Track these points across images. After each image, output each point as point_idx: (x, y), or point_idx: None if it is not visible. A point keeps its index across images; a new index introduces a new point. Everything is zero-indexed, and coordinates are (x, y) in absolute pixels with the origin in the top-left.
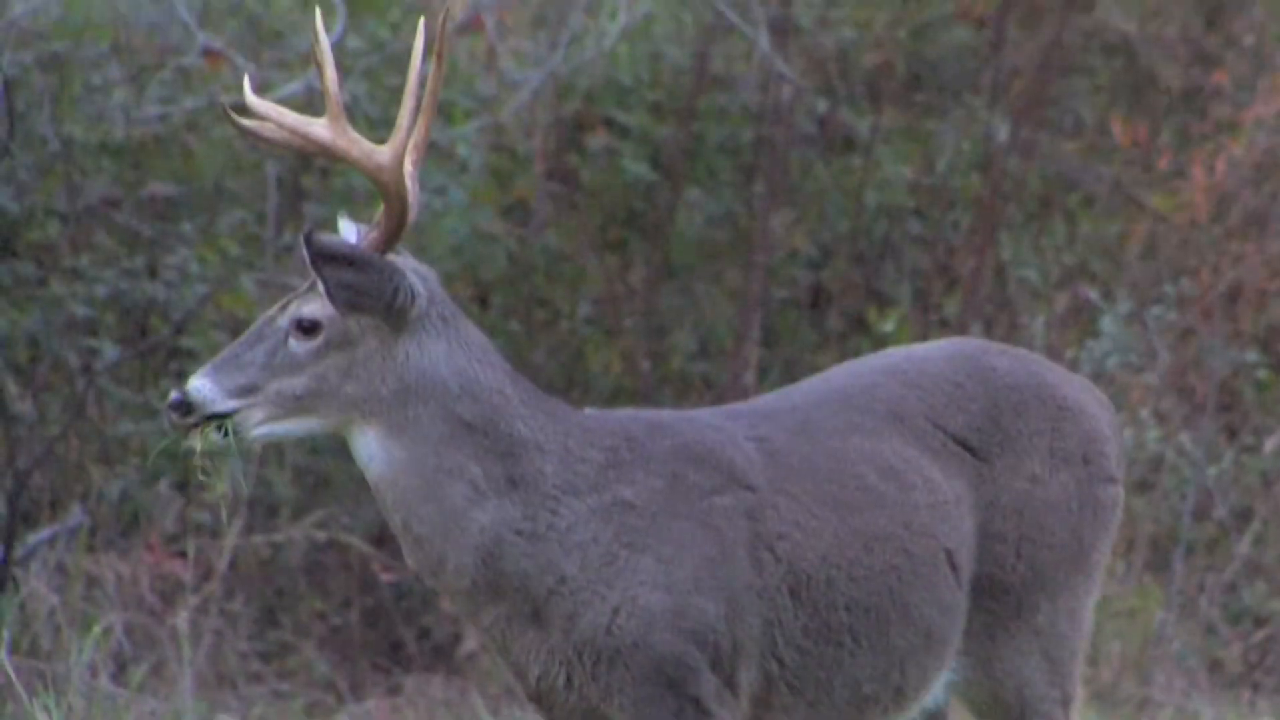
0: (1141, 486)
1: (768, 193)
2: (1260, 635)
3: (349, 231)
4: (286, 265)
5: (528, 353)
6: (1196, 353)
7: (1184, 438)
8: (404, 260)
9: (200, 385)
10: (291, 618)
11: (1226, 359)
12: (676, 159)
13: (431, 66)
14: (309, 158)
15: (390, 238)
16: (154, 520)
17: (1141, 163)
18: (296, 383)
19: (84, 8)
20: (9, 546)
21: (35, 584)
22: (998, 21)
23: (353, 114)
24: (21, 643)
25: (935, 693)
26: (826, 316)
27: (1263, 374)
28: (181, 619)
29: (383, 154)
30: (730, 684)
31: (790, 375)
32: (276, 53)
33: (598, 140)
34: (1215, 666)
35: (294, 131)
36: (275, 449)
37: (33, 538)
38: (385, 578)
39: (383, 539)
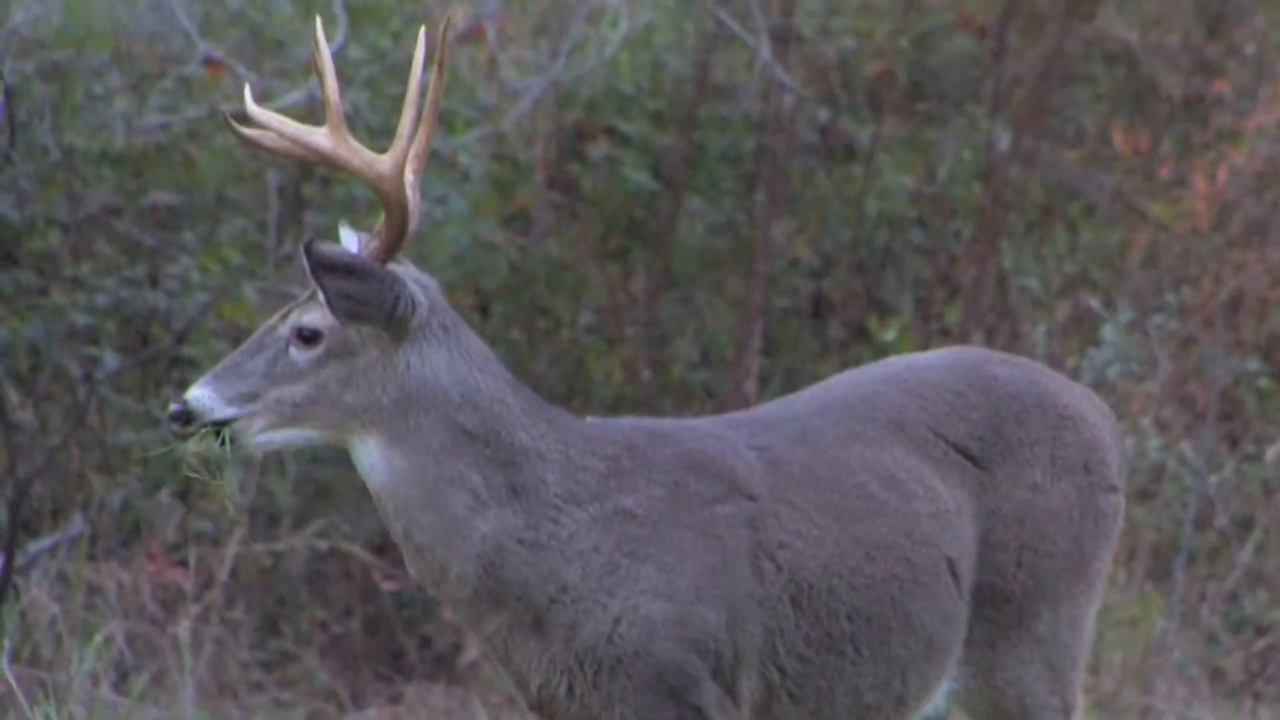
0: (1143, 495)
1: (769, 202)
2: (1261, 644)
3: (350, 241)
4: (288, 274)
5: (529, 362)
6: (1198, 361)
7: (1185, 446)
8: (405, 269)
9: (201, 394)
10: (293, 626)
11: (1228, 368)
12: (678, 168)
13: (433, 75)
14: (310, 167)
15: (391, 247)
16: (155, 529)
17: (1143, 171)
18: (297, 391)
19: (85, 16)
20: (10, 555)
21: (36, 593)
22: (999, 30)
23: (354, 123)
24: (23, 651)
25: (936, 701)
26: (828, 325)
27: (1264, 383)
28: (183, 628)
29: (383, 163)
30: (731, 693)
31: (791, 384)
32: (278, 62)
33: (599, 149)
34: (1217, 675)
35: (295, 140)
36: (276, 458)
37: (34, 546)
38: (386, 586)
39: (384, 548)
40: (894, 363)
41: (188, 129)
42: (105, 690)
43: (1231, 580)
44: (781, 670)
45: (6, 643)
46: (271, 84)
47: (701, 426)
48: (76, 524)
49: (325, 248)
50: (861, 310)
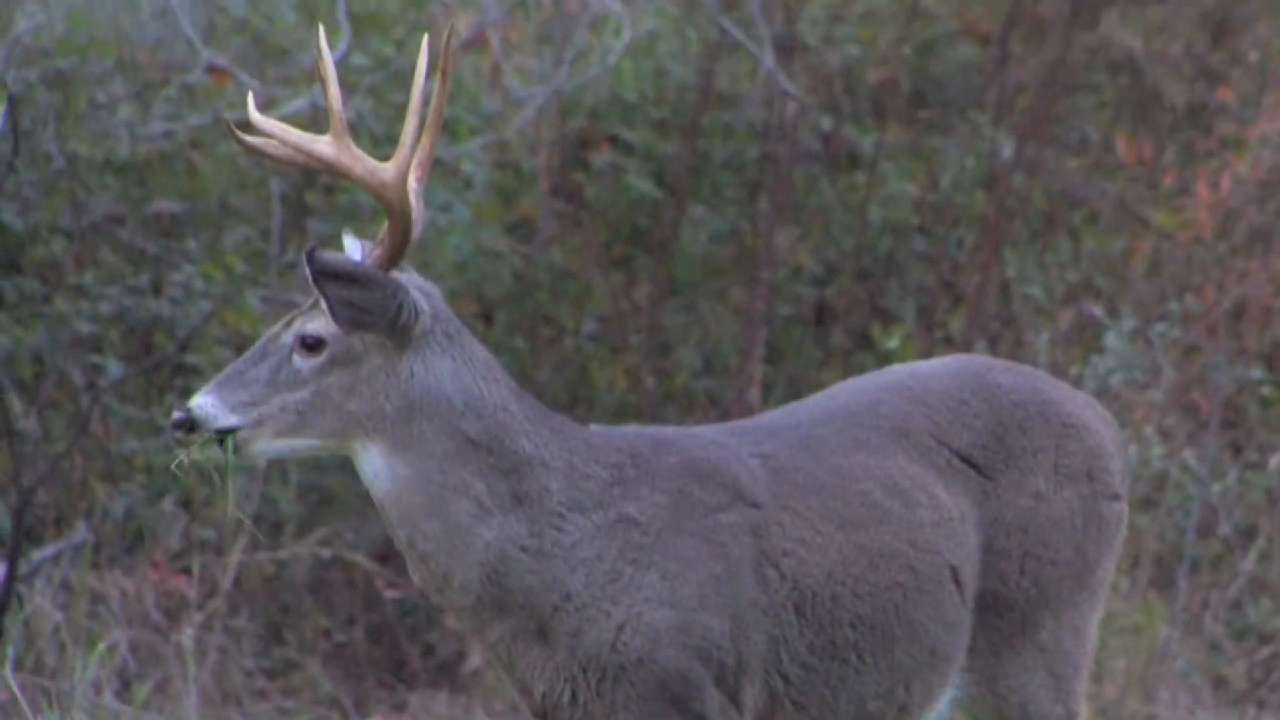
0: (1146, 503)
1: (772, 209)
2: (1265, 652)
3: (354, 248)
4: (291, 282)
5: (532, 370)
6: (1201, 370)
7: (1188, 454)
8: (408, 277)
9: (204, 403)
10: (296, 634)
11: (1231, 376)
12: (681, 176)
13: (436, 83)
14: (313, 175)
15: (394, 255)
16: (159, 537)
17: (1146, 179)
18: (300, 399)
19: (88, 25)
20: (14, 563)
21: (40, 601)
22: (1002, 38)
23: (357, 131)
24: (26, 659)
25: (940, 709)
26: (831, 333)
27: (1267, 391)
28: (186, 636)
29: (386, 171)
30: (735, 700)
31: (795, 392)
32: (281, 70)
33: (602, 157)
34: (1219, 683)
35: (298, 148)
36: (279, 466)
37: (37, 554)
38: (390, 594)
39: (387, 556)
40: (897, 370)
41: (191, 137)
42: (109, 698)
43: (1234, 588)
44: (785, 678)
45: (10, 651)
46: (275, 92)
47: (705, 434)
48: (80, 532)
49: (328, 256)
50: (865, 318)
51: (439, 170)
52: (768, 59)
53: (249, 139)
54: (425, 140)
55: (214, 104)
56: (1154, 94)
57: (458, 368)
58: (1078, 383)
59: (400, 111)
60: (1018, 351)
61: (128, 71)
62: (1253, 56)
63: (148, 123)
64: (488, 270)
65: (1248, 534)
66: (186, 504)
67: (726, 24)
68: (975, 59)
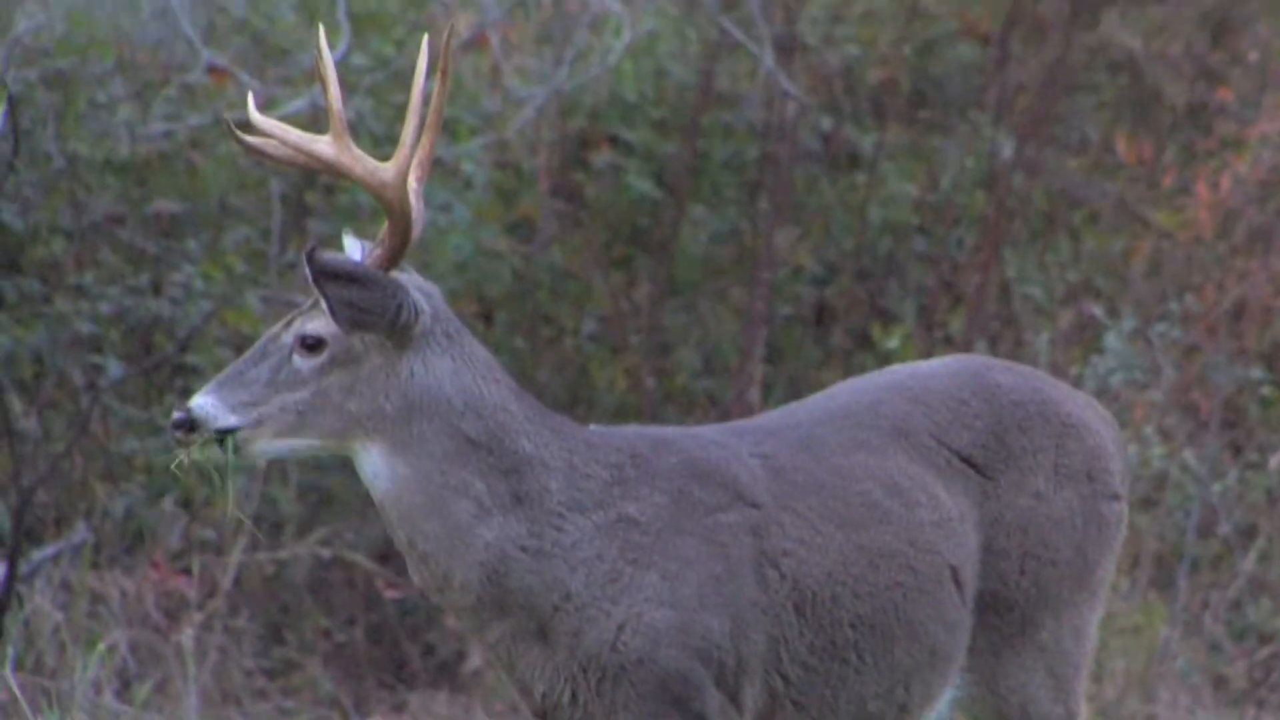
0: (1146, 503)
1: (772, 209)
2: (1265, 652)
3: (354, 248)
4: (291, 282)
5: (532, 370)
6: (1201, 369)
7: (1188, 454)
8: (408, 277)
9: (204, 403)
10: (296, 635)
11: (1231, 376)
12: (681, 176)
13: (436, 83)
14: (313, 175)
15: (394, 255)
16: (159, 537)
17: (1146, 179)
18: (300, 399)
19: (88, 25)
20: (14, 563)
21: (40, 601)
22: (1002, 38)
23: (357, 131)
24: (26, 659)
25: (940, 709)
26: (831, 333)
27: (1267, 391)
28: (186, 636)
29: (386, 171)
30: (735, 701)
31: (795, 392)
32: (281, 70)
33: (602, 157)
34: (1219, 683)
35: (298, 148)
36: (279, 466)
37: (37, 554)
38: (390, 594)
39: (387, 556)
40: (897, 370)
41: (191, 137)
42: (109, 698)
43: (1234, 588)
44: (785, 678)
45: (10, 651)
46: (275, 92)
47: (705, 434)
48: (80, 532)
49: (328, 256)
50: (865, 318)
51: (439, 170)
52: (768, 59)
53: (249, 139)
54: (425, 140)
55: (214, 104)
56: (1154, 94)
57: (458, 368)
58: (1078, 383)
59: (400, 111)
60: (1018, 351)
61: (128, 71)
62: (1253, 56)
63: (148, 123)
64: (488, 270)
65: (1248, 534)
66: (186, 504)
67: (726, 24)
68: (975, 59)
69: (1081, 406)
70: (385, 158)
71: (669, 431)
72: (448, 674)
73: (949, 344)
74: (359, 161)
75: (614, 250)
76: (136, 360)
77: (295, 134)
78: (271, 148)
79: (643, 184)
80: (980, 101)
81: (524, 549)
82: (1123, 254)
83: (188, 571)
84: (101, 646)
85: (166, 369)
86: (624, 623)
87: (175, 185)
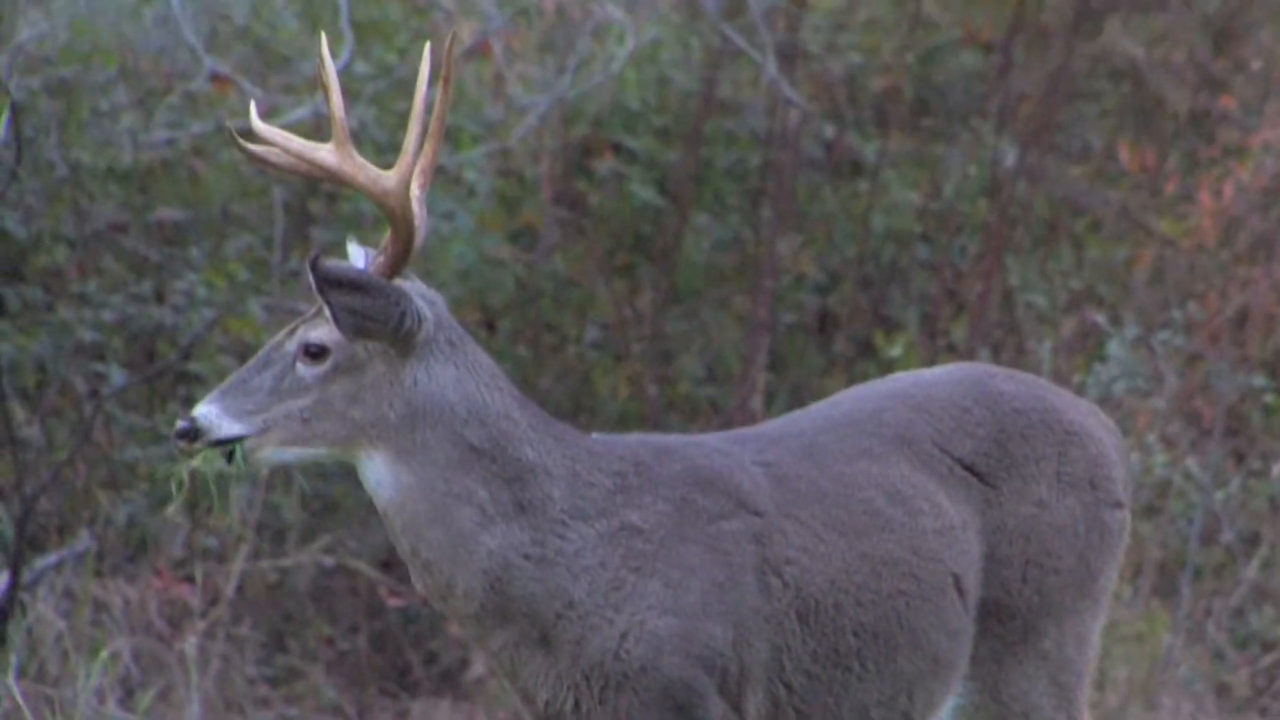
0: (1149, 511)
1: (775, 217)
2: (1268, 660)
3: (357, 256)
4: (294, 290)
5: (535, 378)
6: (1204, 377)
7: (1191, 462)
8: (411, 285)
9: (207, 411)
10: (299, 643)
11: (1234, 384)
12: (684, 184)
13: (438, 91)
14: (316, 183)
15: (397, 262)
16: (162, 545)
17: (1149, 187)
18: (304, 407)
19: (91, 33)
20: (17, 571)
21: (43, 609)
22: (1005, 46)
23: (360, 139)
24: (29, 668)
25: (942, 717)
26: (833, 341)
27: (1270, 399)
28: (189, 644)
29: (389, 179)
30: (738, 709)
31: (797, 400)
32: (284, 78)
33: (605, 165)
34: (1222, 691)
35: (300, 156)
36: (282, 474)
37: (40, 562)
38: (393, 602)
39: (390, 564)
40: (900, 378)
41: (194, 145)
42: (111, 706)
43: (1237, 596)
44: (788, 686)
45: (13, 659)
46: (277, 100)
47: (708, 442)
48: (83, 540)
49: (331, 263)
50: (867, 326)
51: (441, 178)
52: (770, 67)
53: (251, 147)
54: (428, 148)
55: (216, 112)
56: (1157, 102)
57: (461, 375)
58: (1080, 390)
59: (403, 119)
60: (1020, 359)
61: (130, 79)
62: (1255, 64)
63: (150, 131)
64: (490, 278)
65: (1250, 542)
66: (190, 512)
67: (729, 32)
68: (978, 67)
69: (1084, 414)
70: (388, 166)
71: (672, 439)
72: (451, 682)
73: (952, 352)
74: (361, 169)
75: (617, 258)
76: (139, 368)
77: (298, 142)
78: (274, 156)
79: (645, 192)
80: (983, 109)
81: (527, 557)
82: (1125, 262)
83: (191, 579)
84: (104, 654)
85: (169, 377)
86: (627, 630)
87: (178, 193)
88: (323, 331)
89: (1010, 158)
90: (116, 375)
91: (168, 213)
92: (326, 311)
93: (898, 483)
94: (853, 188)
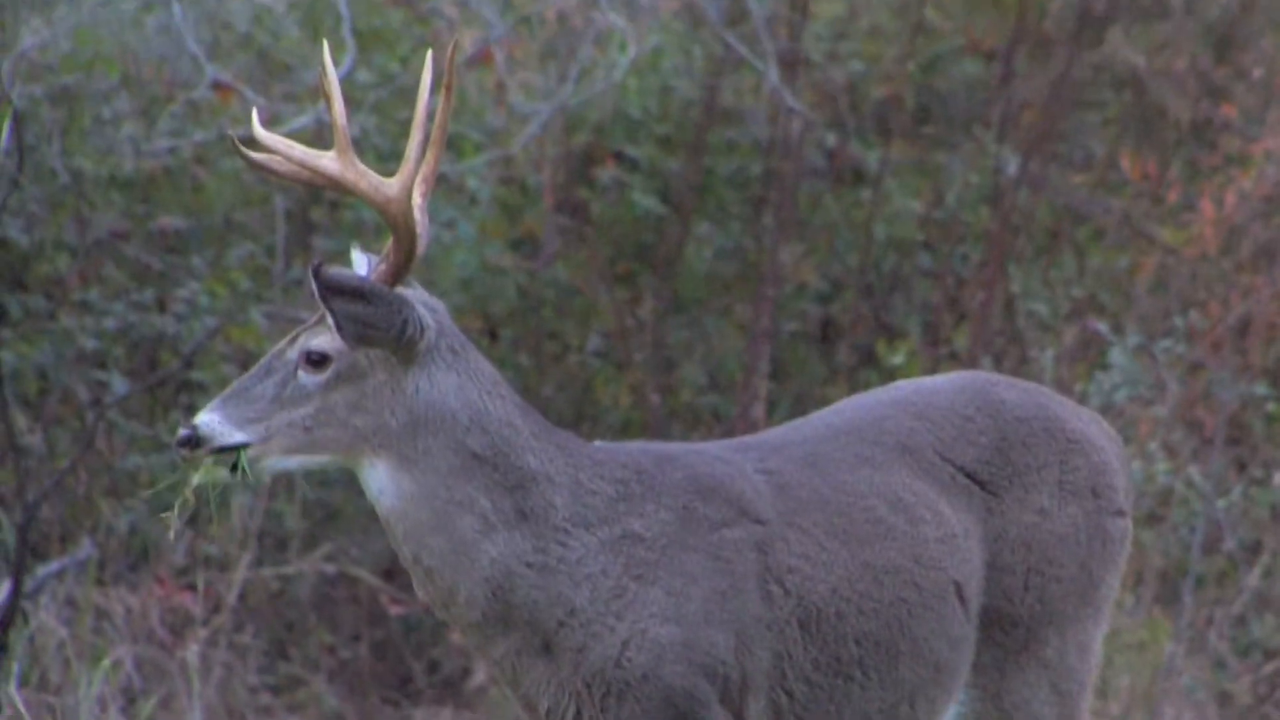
0: (1150, 519)
1: (777, 226)
2: (1270, 668)
3: (361, 263)
4: (296, 298)
5: (537, 386)
6: (1206, 386)
7: (1193, 471)
8: (413, 293)
9: (209, 419)
10: (301, 651)
11: (1236, 392)
12: (686, 192)
13: (440, 99)
14: (318, 191)
15: (399, 270)
16: (163, 553)
17: (1151, 196)
18: (306, 415)
19: (94, 41)
20: (19, 579)
21: (45, 617)
22: (1007, 55)
23: (362, 147)
24: (31, 676)
25: None
26: (836, 349)
27: (1272, 407)
28: (191, 652)
29: (391, 186)
30: (739, 717)
31: (799, 408)
32: (286, 86)
33: (607, 173)
34: (1224, 699)
35: (302, 164)
36: (284, 482)
37: (42, 570)
38: (394, 611)
39: (392, 572)
40: (902, 387)
41: (196, 153)
42: (113, 714)
43: (1239, 604)
44: (790, 694)
45: (15, 667)
46: (279, 108)
47: (710, 451)
48: (85, 548)
49: (334, 271)
50: (869, 334)
51: (443, 186)
52: (772, 75)
53: (254, 155)
54: (429, 156)
55: (219, 120)
56: (1158, 110)
57: (463, 383)
58: (1082, 399)
59: (404, 127)
60: (1022, 368)
61: (132, 88)
62: (1257, 73)
63: (152, 139)
64: (492, 286)
65: (1252, 550)
66: (191, 520)
67: (731, 40)
68: (980, 75)
69: (1086, 422)
70: (390, 174)
71: (674, 448)
72: (452, 690)
73: (954, 360)
74: (363, 177)
75: (618, 266)
76: (141, 376)
77: (300, 150)
78: (276, 164)
79: (647, 200)
80: (985, 118)
81: (529, 564)
82: (1127, 270)
83: (192, 587)
84: (106, 662)
85: (171, 385)
86: (629, 639)
87: (180, 201)
88: (324, 339)
89: (1012, 166)
90: (118, 383)
91: (170, 221)
92: (329, 319)
93: (899, 491)
94: (855, 196)
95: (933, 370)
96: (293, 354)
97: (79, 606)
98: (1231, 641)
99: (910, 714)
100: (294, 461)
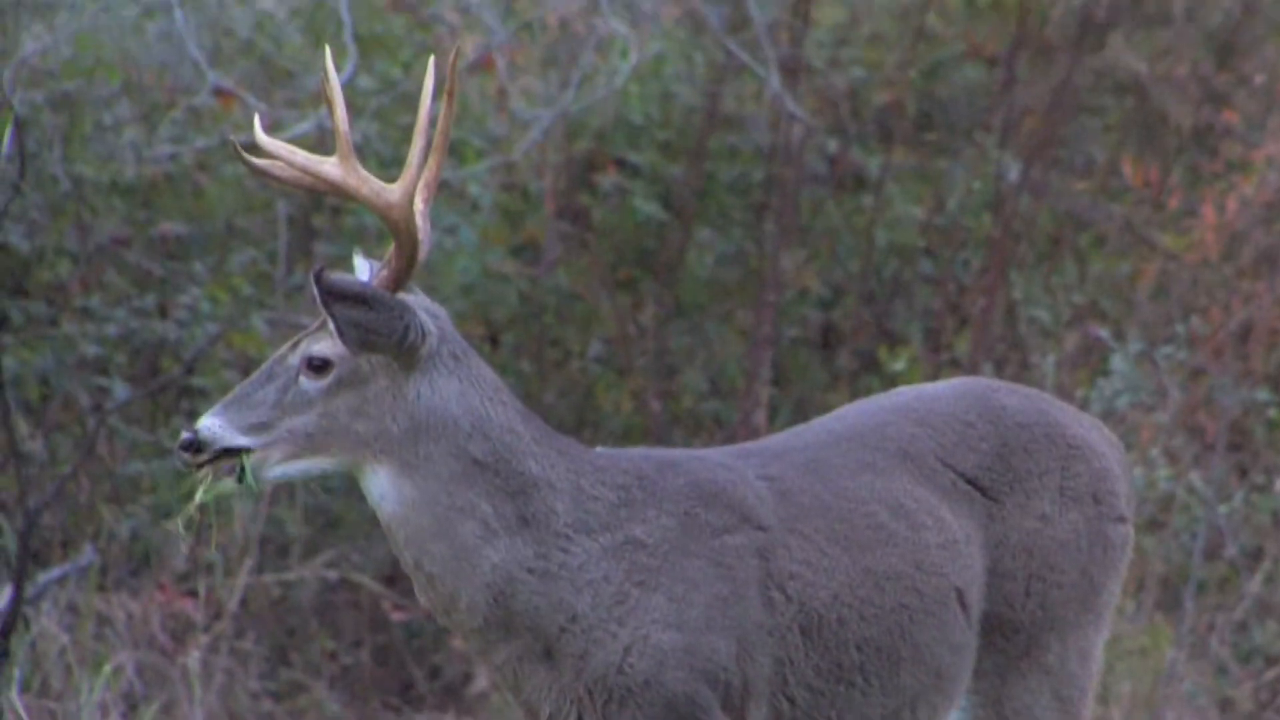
0: (1152, 525)
1: (778, 232)
2: (1271, 674)
3: (363, 269)
4: (297, 304)
5: (539, 392)
6: (1207, 392)
7: (1194, 477)
8: (415, 298)
9: (211, 424)
10: (303, 657)
11: (1237, 398)
12: (687, 198)
13: (442, 105)
14: (320, 196)
15: (401, 276)
16: (165, 559)
17: (1152, 202)
18: (307, 421)
19: (95, 47)
20: (20, 585)
21: (46, 623)
22: (1008, 61)
23: (364, 153)
24: (33, 682)
25: None
26: (837, 356)
27: (1273, 413)
28: (192, 658)
29: (392, 192)
30: None
31: (801, 414)
32: (287, 92)
33: (608, 179)
34: (1226, 705)
35: (304, 170)
36: (286, 488)
37: (44, 577)
38: (396, 617)
39: (393, 578)
40: (903, 392)
41: (197, 159)
42: None
43: (1241, 610)
44: (791, 700)
45: (16, 673)
46: (281, 114)
47: (711, 457)
48: (86, 554)
49: (335, 276)
50: (871, 340)
51: (445, 192)
52: (774, 81)
53: (255, 161)
54: (431, 162)
55: (220, 126)
56: (1160, 116)
57: (464, 389)
58: (1084, 405)
59: (406, 134)
60: (1024, 374)
61: (134, 94)
62: (1258, 79)
63: (154, 145)
64: (494, 293)
65: (1254, 556)
66: (191, 526)
67: (732, 46)
68: (981, 81)
69: (1087, 429)
70: (391, 180)
71: (675, 454)
72: (454, 696)
73: (955, 366)
74: (365, 183)
75: (620, 272)
76: (143, 382)
77: (301, 156)
78: (278, 169)
79: (649, 206)
80: (986, 124)
81: (530, 570)
82: (1129, 276)
83: (194, 593)
84: (107, 669)
85: (173, 391)
86: (630, 645)
87: (181, 207)
88: (326, 345)
89: (1014, 172)
90: (120, 390)
91: (171, 227)
92: (330, 325)
93: (901, 497)
94: (856, 202)
95: (934, 376)
96: (294, 359)
97: (80, 612)
98: (1233, 648)
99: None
100: (295, 467)
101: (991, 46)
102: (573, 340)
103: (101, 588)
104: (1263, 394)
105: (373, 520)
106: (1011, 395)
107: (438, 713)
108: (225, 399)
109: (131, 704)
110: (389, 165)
